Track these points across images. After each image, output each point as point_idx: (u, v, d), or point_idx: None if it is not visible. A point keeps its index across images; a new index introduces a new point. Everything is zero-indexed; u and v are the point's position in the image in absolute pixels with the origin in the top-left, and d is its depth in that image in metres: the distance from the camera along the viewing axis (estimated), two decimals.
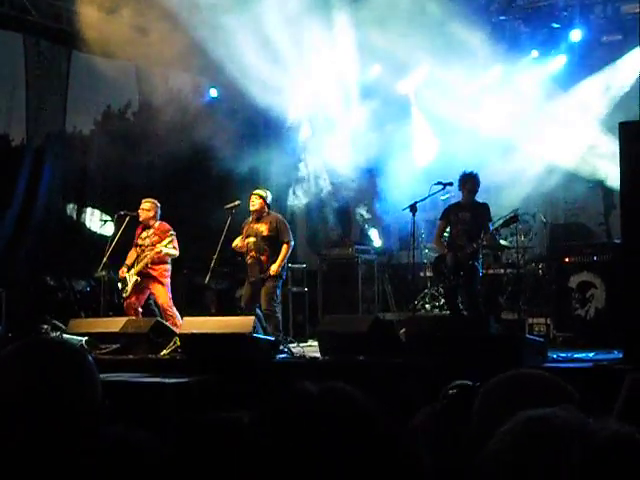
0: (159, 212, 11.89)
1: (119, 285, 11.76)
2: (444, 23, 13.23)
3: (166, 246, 11.43)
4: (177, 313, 11.42)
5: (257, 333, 9.79)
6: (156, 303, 11.75)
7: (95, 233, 15.47)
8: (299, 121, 15.97)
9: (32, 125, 15.60)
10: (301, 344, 11.23)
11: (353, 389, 1.85)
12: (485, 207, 11.20)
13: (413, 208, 10.70)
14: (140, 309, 11.72)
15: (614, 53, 13.88)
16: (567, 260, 11.76)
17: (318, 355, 9.78)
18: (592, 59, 13.98)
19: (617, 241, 10.55)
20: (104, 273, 11.89)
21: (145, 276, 11.55)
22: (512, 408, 1.68)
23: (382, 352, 9.11)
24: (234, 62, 13.43)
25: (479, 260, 11.08)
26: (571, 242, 12.51)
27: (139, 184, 13.80)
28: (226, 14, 12.90)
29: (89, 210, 16.12)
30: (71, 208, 16.33)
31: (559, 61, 14.15)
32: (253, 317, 10.14)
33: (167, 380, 8.45)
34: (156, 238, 11.59)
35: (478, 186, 11.17)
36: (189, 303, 12.95)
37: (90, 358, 2.21)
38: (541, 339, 9.64)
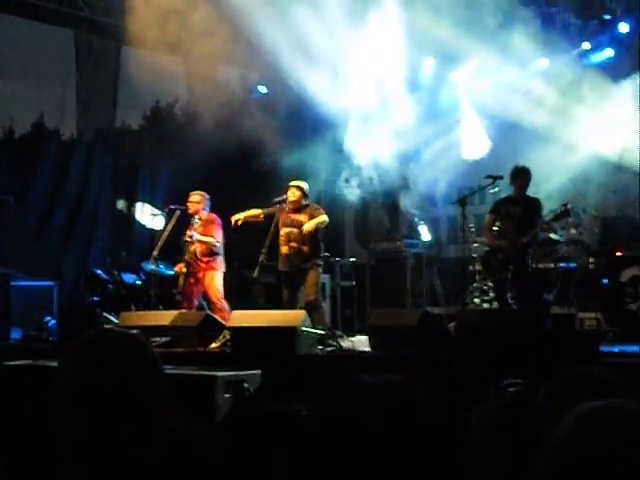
0: (208, 204, 11.94)
1: (179, 279, 11.80)
2: (494, 14, 13.13)
3: (198, 231, 11.47)
4: (227, 306, 11.45)
5: (306, 326, 9.79)
6: (206, 295, 11.80)
7: (145, 227, 15.58)
8: (347, 115, 15.95)
9: (82, 120, 15.78)
10: (350, 338, 11.22)
11: (411, 382, 1.85)
12: (536, 201, 11.11)
13: (462, 201, 10.64)
14: (195, 301, 11.76)
15: None
16: (618, 254, 11.62)
17: (367, 349, 9.77)
18: None
19: None
20: (154, 267, 11.98)
21: (195, 267, 11.60)
22: (571, 406, 1.66)
23: (432, 346, 9.08)
24: (282, 57, 13.44)
25: (529, 254, 10.99)
26: (622, 236, 12.36)
27: (187, 178, 13.87)
28: (275, 8, 12.91)
29: (139, 204, 16.25)
30: (122, 202, 16.49)
31: (607, 53, 13.99)
32: (303, 311, 10.16)
33: (217, 373, 8.48)
34: (201, 229, 11.64)
35: (529, 180, 11.08)
36: (238, 296, 12.98)
37: (155, 351, 2.22)
38: (592, 333, 9.54)
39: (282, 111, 14.72)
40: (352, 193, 15.29)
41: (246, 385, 8.14)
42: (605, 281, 12.02)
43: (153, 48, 13.59)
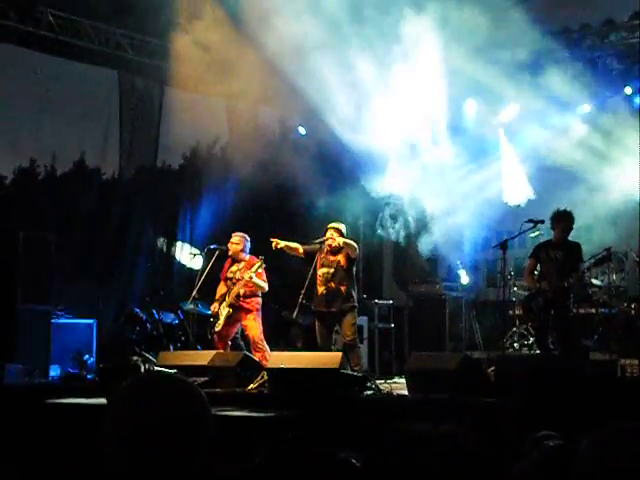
0: (248, 246, 11.97)
1: (211, 320, 11.83)
2: (536, 59, 13.16)
3: (255, 273, 11.48)
4: (267, 347, 11.45)
5: (345, 369, 9.75)
6: (245, 336, 11.81)
7: (184, 266, 15.66)
8: (387, 158, 15.99)
9: (124, 159, 15.94)
10: (388, 381, 11.16)
11: (467, 432, 1.82)
12: (577, 246, 11.03)
13: (504, 245, 10.58)
14: (229, 342, 11.79)
15: None
16: None
17: (406, 392, 9.69)
18: None
19: None
20: (193, 306, 12.01)
21: (237, 309, 11.62)
22: (617, 465, 1.63)
23: (471, 391, 8.99)
24: (321, 99, 13.51)
25: (571, 299, 10.89)
26: None
27: (226, 219, 13.94)
28: (315, 52, 13.00)
29: (179, 243, 16.35)
30: (161, 241, 16.58)
31: None
32: (341, 353, 10.12)
33: (255, 414, 8.45)
34: (257, 273, 11.66)
35: (572, 224, 11.02)
36: (276, 338, 12.98)
37: (203, 394, 2.22)
38: (634, 380, 9.41)
39: (320, 153, 14.76)
40: (390, 235, 15.28)
41: (284, 427, 8.10)
42: None
43: (195, 90, 13.73)
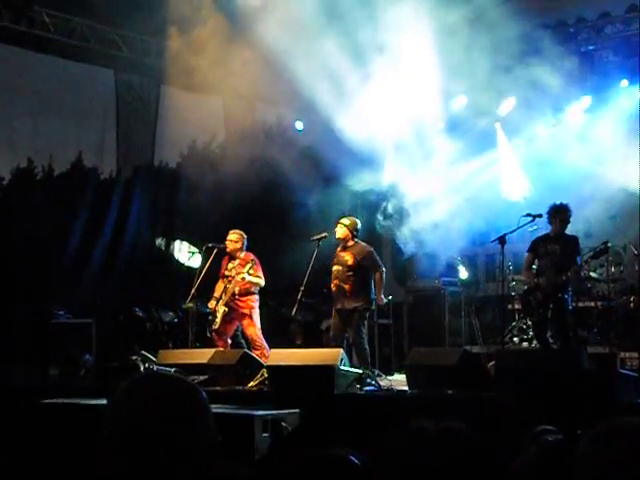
0: (246, 243, 11.97)
1: (210, 317, 11.84)
2: (531, 53, 13.14)
3: (248, 273, 11.47)
4: (266, 345, 11.45)
5: (344, 365, 9.74)
6: (244, 334, 11.81)
7: (183, 265, 15.65)
8: (384, 154, 15.96)
9: (122, 158, 15.92)
10: (388, 377, 11.15)
11: (471, 430, 1.82)
12: (574, 239, 11.03)
13: (502, 240, 10.56)
14: (229, 340, 11.80)
15: None
16: None
17: (406, 388, 9.69)
18: None
19: None
20: (192, 305, 12.01)
21: (233, 307, 11.62)
22: (616, 461, 1.62)
23: (471, 386, 8.99)
24: (318, 95, 13.48)
25: (569, 293, 10.89)
26: None
27: (224, 216, 13.91)
28: (312, 46, 12.97)
29: (177, 242, 16.35)
30: (159, 240, 16.58)
31: None
32: (340, 349, 10.11)
33: (255, 412, 8.44)
34: (251, 270, 11.66)
35: (569, 218, 11.01)
36: (275, 335, 12.97)
37: (203, 393, 2.22)
38: (635, 374, 9.40)
39: (320, 148, 14.71)
40: (389, 231, 15.25)
41: (284, 424, 8.10)
42: None
43: (191, 88, 13.70)
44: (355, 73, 13.54)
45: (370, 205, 15.50)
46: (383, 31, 13.09)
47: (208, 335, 12.05)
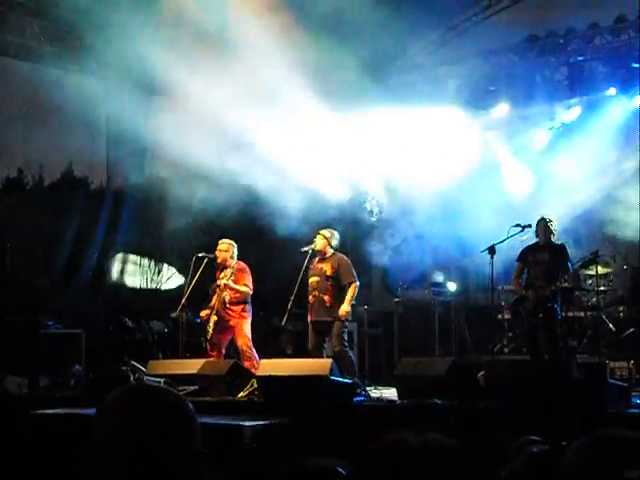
0: (236, 252, 11.96)
1: (207, 327, 11.83)
2: (521, 64, 13.23)
3: (230, 279, 11.47)
4: (256, 356, 11.42)
5: (334, 375, 9.74)
6: (235, 344, 11.79)
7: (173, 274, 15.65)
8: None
9: (112, 169, 15.90)
10: (378, 387, 11.16)
11: (453, 442, 1.82)
12: (563, 248, 11.08)
13: (492, 250, 10.58)
14: (223, 350, 11.77)
15: None
16: None
17: (395, 398, 9.70)
18: None
19: None
20: (182, 313, 11.99)
21: (223, 316, 11.61)
22: (601, 472, 1.63)
23: (460, 396, 9.01)
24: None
25: (558, 302, 10.91)
26: None
27: (214, 227, 13.89)
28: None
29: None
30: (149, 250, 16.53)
31: (638, 100, 13.97)
32: (330, 359, 10.12)
33: (244, 422, 8.44)
34: (233, 277, 11.66)
35: (555, 229, 11.07)
36: (265, 345, 12.96)
37: (191, 405, 2.22)
38: (624, 383, 9.42)
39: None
40: (379, 244, 15.27)
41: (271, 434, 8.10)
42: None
43: (183, 98, 13.69)
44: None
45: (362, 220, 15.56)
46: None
47: (204, 346, 12.03)
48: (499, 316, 13.22)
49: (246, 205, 13.89)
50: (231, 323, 11.61)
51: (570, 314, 12.41)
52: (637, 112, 13.73)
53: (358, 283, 11.31)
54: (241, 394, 10.07)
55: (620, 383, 9.37)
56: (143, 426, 2.10)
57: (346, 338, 11.22)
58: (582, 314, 12.64)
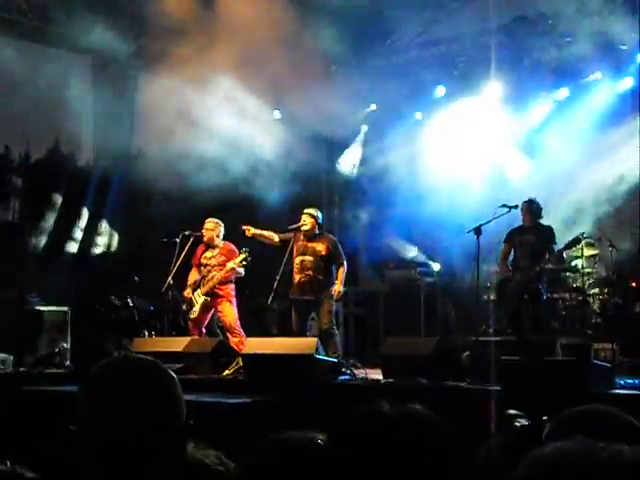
0: (222, 231, 11.96)
1: (184, 306, 11.84)
2: (511, 44, 13.23)
3: (237, 265, 11.49)
4: (243, 334, 11.45)
5: (319, 354, 9.77)
6: (222, 323, 11.81)
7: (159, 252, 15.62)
8: (360, 145, 16.06)
9: (99, 146, 15.83)
10: (363, 366, 11.20)
11: (429, 412, 1.84)
12: (549, 229, 11.12)
13: (478, 230, 10.58)
14: (203, 329, 11.80)
15: None
16: (634, 285, 11.57)
17: (380, 377, 9.73)
18: None
19: None
20: (168, 292, 11.98)
21: (212, 295, 11.62)
22: None
23: (445, 376, 9.06)
24: (295, 83, 13.47)
25: (544, 283, 10.95)
26: (638, 267, 12.30)
27: (201, 205, 13.86)
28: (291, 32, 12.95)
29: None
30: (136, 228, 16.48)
31: (627, 83, 13.97)
32: (316, 338, 10.15)
33: (229, 400, 8.46)
34: (223, 258, 11.67)
35: (540, 209, 11.10)
36: (251, 324, 12.97)
37: (175, 376, 2.23)
38: (608, 365, 9.47)
39: (296, 139, 14.67)
40: (365, 220, 15.30)
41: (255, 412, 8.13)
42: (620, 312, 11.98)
43: (170, 74, 13.62)
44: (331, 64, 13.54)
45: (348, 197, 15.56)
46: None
47: (183, 324, 12.04)
48: (484, 297, 13.25)
49: (229, 184, 13.86)
50: (220, 300, 11.62)
51: (555, 295, 12.46)
52: (623, 94, 13.80)
53: (345, 265, 11.35)
54: (226, 372, 10.10)
55: (604, 364, 9.41)
56: (126, 396, 2.11)
57: (334, 318, 11.27)
58: (567, 295, 12.68)
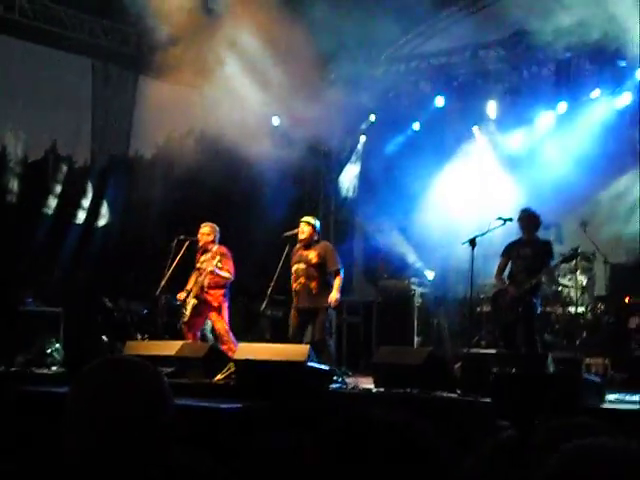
0: (218, 236, 11.95)
1: (180, 310, 11.83)
2: (510, 60, 13.27)
3: (216, 266, 11.44)
4: (234, 340, 11.43)
5: (312, 362, 9.77)
6: (212, 329, 11.80)
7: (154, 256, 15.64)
8: (358, 155, 16.10)
9: (97, 148, 15.85)
10: (356, 375, 11.20)
11: (417, 421, 1.85)
12: (547, 243, 11.12)
13: (473, 242, 10.60)
14: (198, 333, 11.78)
15: None
16: (627, 300, 11.59)
17: (372, 387, 9.74)
18: None
19: None
20: (162, 296, 11.98)
21: (202, 300, 11.60)
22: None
23: (436, 386, 9.06)
24: (295, 91, 13.51)
25: (538, 296, 10.96)
26: (631, 282, 12.32)
27: (199, 209, 13.88)
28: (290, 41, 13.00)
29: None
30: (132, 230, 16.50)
31: (625, 99, 14.00)
32: (308, 345, 10.14)
33: (220, 405, 8.46)
34: (216, 262, 11.65)
35: (537, 222, 11.10)
36: (244, 330, 12.98)
37: (164, 377, 2.24)
38: (599, 379, 9.49)
39: (295, 146, 14.71)
40: (360, 230, 15.33)
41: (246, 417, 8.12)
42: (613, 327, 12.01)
43: (170, 79, 13.65)
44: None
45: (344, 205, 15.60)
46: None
47: (178, 328, 12.03)
48: (478, 309, 13.28)
49: (226, 184, 13.89)
50: (210, 306, 11.61)
51: (548, 309, 12.48)
52: (622, 110, 13.83)
53: (343, 271, 11.31)
54: (218, 377, 10.09)
55: (595, 379, 9.43)
56: (115, 396, 2.12)
57: (328, 327, 11.23)
58: (560, 309, 12.70)
